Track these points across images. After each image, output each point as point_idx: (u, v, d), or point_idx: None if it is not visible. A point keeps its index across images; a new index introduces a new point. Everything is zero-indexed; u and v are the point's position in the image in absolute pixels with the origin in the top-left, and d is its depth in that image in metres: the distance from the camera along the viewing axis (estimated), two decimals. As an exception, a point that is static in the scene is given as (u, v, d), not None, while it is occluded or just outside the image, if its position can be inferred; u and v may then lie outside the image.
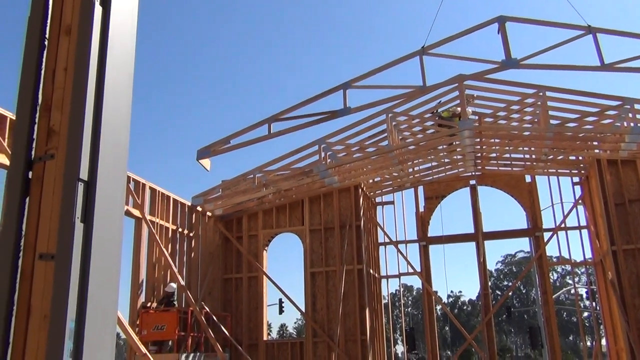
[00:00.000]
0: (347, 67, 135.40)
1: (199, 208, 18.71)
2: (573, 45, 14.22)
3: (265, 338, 19.42)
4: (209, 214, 19.40)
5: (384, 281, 21.82)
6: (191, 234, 18.22)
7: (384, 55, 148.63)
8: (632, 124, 16.11)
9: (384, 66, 15.27)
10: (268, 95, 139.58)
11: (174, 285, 16.08)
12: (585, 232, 20.23)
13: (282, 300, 44.38)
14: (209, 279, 18.58)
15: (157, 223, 16.46)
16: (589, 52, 14.05)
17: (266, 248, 20.42)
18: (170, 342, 15.41)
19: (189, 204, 18.30)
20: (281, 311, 44.80)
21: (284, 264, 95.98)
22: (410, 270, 21.24)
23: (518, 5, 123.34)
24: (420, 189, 22.13)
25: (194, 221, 18.54)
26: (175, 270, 16.13)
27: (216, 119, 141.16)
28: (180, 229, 17.59)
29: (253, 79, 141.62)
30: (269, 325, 76.46)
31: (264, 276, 19.72)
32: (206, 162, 16.59)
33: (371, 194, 21.75)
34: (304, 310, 19.10)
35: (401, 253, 21.41)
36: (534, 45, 15.00)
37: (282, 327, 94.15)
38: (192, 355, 15.45)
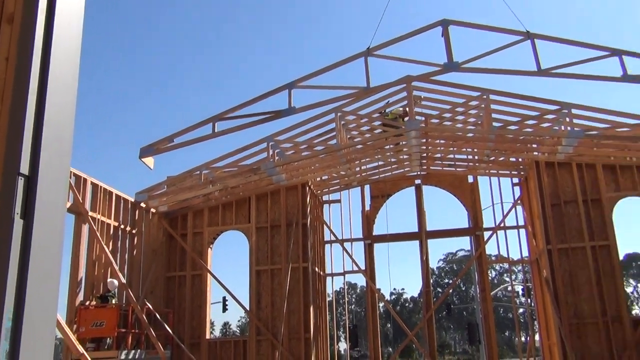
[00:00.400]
0: (294, 66, 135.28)
1: (142, 204, 18.29)
2: (515, 50, 14.76)
3: (207, 336, 19.19)
4: (153, 210, 19.00)
5: (328, 279, 21.97)
6: (134, 231, 17.78)
7: (332, 55, 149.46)
8: (569, 128, 16.80)
9: (329, 67, 15.44)
10: (214, 93, 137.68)
11: (115, 282, 15.66)
12: (523, 231, 20.99)
13: (226, 298, 44.02)
14: (152, 277, 18.20)
15: (99, 219, 15.98)
16: (530, 57, 14.60)
17: (211, 246, 20.18)
18: (109, 340, 15.01)
19: (132, 200, 17.86)
20: (225, 309, 44.43)
21: (229, 262, 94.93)
22: (355, 269, 21.46)
23: (465, 10, 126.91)
24: (367, 187, 22.39)
25: (137, 218, 18.10)
26: (117, 267, 15.72)
27: (163, 114, 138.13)
28: (122, 226, 17.14)
29: (199, 76, 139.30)
30: (212, 324, 75.70)
31: (208, 274, 19.48)
32: (149, 161, 16.38)
33: (318, 192, 21.85)
34: (248, 309, 18.98)
35: (346, 251, 21.60)
36: (477, 49, 15.48)
37: (226, 325, 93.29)
38: (132, 352, 15.09)
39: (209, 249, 19.99)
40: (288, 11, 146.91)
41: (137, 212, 18.13)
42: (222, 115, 15.77)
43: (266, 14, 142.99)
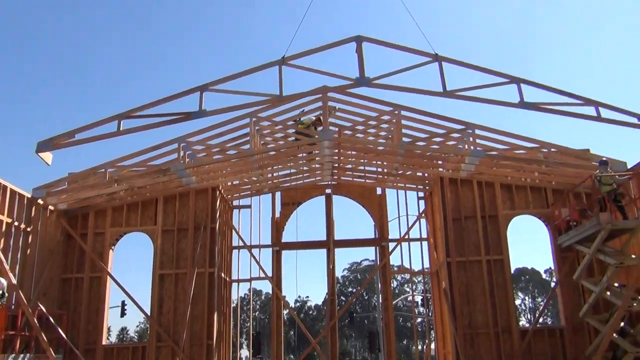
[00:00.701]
0: (211, 69, 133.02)
1: (40, 201, 17.23)
2: (427, 70, 15.49)
3: (104, 342, 18.35)
4: (51, 208, 17.95)
5: (234, 285, 21.73)
6: (29, 229, 16.70)
7: (251, 61, 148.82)
8: (472, 147, 17.74)
9: (244, 72, 15.54)
10: (122, 90, 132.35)
11: (3, 281, 14.60)
12: (425, 243, 21.83)
13: (125, 302, 42.39)
14: (45, 277, 17.16)
15: (-11, 214, 14.89)
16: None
17: (113, 247, 19.36)
18: None
19: (29, 195, 16.79)
20: (123, 314, 42.77)
21: (130, 265, 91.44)
22: (262, 275, 21.39)
23: (384, 29, 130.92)
24: (278, 194, 22.43)
25: (33, 215, 17.01)
26: (7, 267, 14.69)
27: (67, 109, 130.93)
28: (16, 223, 16.04)
29: (108, 71, 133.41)
30: (109, 329, 72.34)
31: (108, 277, 18.66)
32: (47, 156, 15.64)
33: (229, 196, 21.59)
34: (149, 314, 18.36)
35: (254, 257, 21.50)
36: (390, 66, 16.06)
37: (123, 330, 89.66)
38: (20, 356, 14.15)
39: (111, 251, 19.17)
40: (209, 12, 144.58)
41: (33, 208, 17.05)
42: (129, 113, 15.33)
43: (185, 14, 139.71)
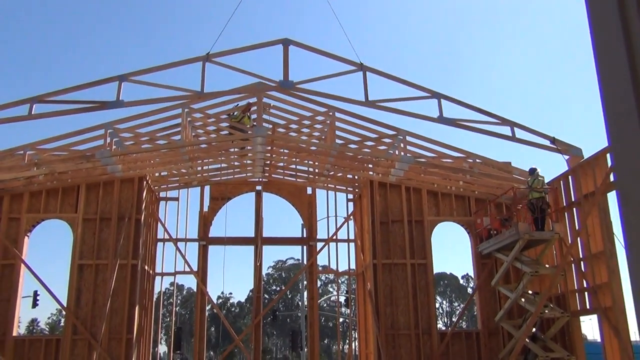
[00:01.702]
0: (133, 61, 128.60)
1: (-52, 181, 16.12)
2: (353, 78, 15.73)
3: (14, 334, 17.41)
4: (-39, 188, 16.83)
5: (157, 278, 21.18)
6: None
7: (171, 55, 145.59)
8: (402, 153, 18.15)
9: (166, 65, 15.29)
10: (38, 73, 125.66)
11: None
12: (352, 245, 22.12)
13: (38, 292, 40.33)
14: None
15: None
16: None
17: (29, 234, 18.38)
18: None
19: (-64, 174, 15.67)
20: (35, 305, 40.65)
21: (46, 254, 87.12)
22: (187, 269, 20.96)
23: (316, 35, 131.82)
24: (207, 188, 22.07)
25: (-60, 195, 15.89)
26: None
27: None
28: None
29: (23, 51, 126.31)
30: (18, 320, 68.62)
31: (22, 264, 17.70)
32: None
33: (156, 187, 21.01)
34: (65, 305, 17.57)
35: (179, 251, 21.03)
36: (318, 71, 16.24)
37: (33, 322, 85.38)
38: None
39: (26, 237, 18.19)
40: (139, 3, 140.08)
41: (-59, 189, 15.93)
42: (42, 97, 14.67)
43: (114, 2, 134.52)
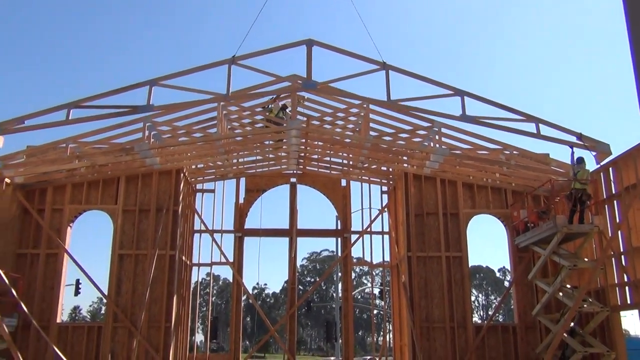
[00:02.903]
0: (162, 65, 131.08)
1: (-5, 173, 16.71)
2: (374, 77, 15.66)
3: (58, 320, 18.01)
4: (7, 180, 17.41)
5: (194, 269, 21.57)
6: (-17, 201, 16.20)
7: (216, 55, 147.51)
8: (437, 145, 18.00)
9: (193, 69, 15.56)
10: (77, 79, 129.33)
11: None
12: (386, 237, 22.09)
13: (80, 281, 41.56)
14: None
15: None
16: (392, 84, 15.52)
17: (71, 224, 18.95)
18: None
19: (-16, 167, 16.26)
20: (77, 293, 41.90)
21: (88, 243, 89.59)
22: (223, 260, 21.28)
23: (334, 34, 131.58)
24: (242, 180, 22.31)
25: (-13, 187, 16.50)
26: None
27: (28, 93, 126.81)
28: (-31, 194, 15.54)
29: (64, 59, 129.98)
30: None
31: (65, 254, 18.27)
32: None
33: (192, 179, 21.37)
34: (106, 293, 18.07)
35: (216, 242, 21.37)
36: (341, 71, 16.23)
37: (75, 309, 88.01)
38: None
39: (69, 228, 18.76)
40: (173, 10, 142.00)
41: (-12, 181, 16.53)
42: (78, 103, 15.23)
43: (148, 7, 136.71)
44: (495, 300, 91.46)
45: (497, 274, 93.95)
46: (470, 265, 19.57)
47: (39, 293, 17.73)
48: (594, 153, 15.90)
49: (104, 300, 19.10)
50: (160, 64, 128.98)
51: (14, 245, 17.90)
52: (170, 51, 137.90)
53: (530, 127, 15.79)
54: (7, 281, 16.18)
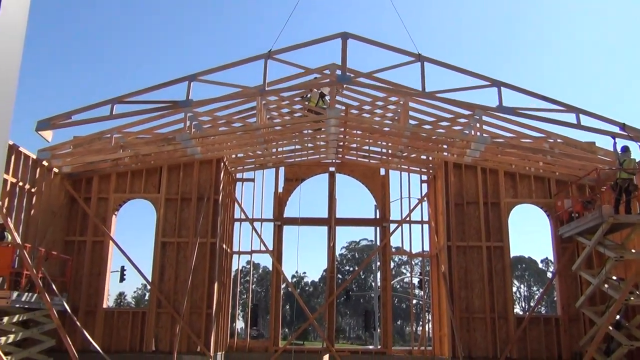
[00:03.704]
0: (201, 60, 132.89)
1: (44, 163, 17.28)
2: (408, 70, 15.48)
3: (104, 306, 18.59)
4: (55, 170, 18.01)
5: (235, 257, 21.89)
6: (33, 190, 16.78)
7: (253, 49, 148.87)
8: (478, 133, 17.71)
9: (231, 64, 15.81)
10: (118, 74, 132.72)
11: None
12: (426, 226, 21.91)
13: (125, 267, 42.78)
14: (48, 239, 17.30)
15: (-5, 174, 14.91)
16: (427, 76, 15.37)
17: (116, 213, 19.47)
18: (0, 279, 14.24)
19: (34, 156, 16.82)
20: (122, 279, 43.15)
21: (132, 231, 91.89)
22: (263, 248, 21.52)
23: (365, 27, 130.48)
24: (281, 169, 22.46)
25: (37, 176, 17.08)
26: (11, 225, 14.76)
27: (75, 87, 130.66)
28: (20, 183, 16.12)
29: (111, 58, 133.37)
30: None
31: (111, 241, 18.81)
32: (47, 134, 16.26)
33: (232, 169, 21.63)
34: (150, 280, 18.54)
35: (255, 231, 21.61)
36: (375, 64, 16.13)
37: (121, 295, 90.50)
38: (25, 295, 14.35)
39: (114, 216, 19.29)
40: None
41: (37, 170, 17.10)
42: (121, 98, 15.70)
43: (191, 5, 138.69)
44: (537, 292, 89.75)
45: (540, 265, 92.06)
46: (512, 256, 19.27)
47: (86, 279, 18.33)
48: (639, 143, 15.35)
49: (148, 287, 19.60)
50: (199, 59, 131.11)
51: (63, 232, 18.52)
52: (207, 47, 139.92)
53: (571, 117, 15.35)
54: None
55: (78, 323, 16.85)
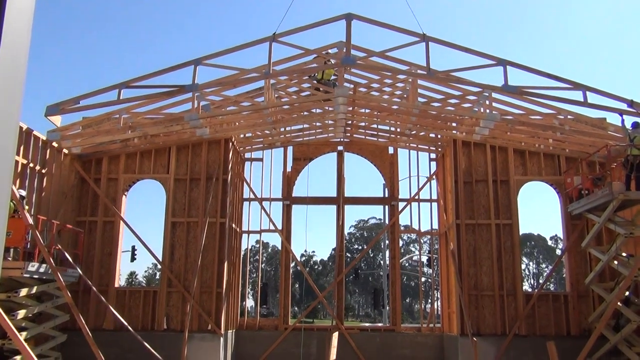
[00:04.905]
0: (204, 44, 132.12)
1: (54, 144, 17.38)
2: (413, 50, 15.33)
3: (116, 285, 18.81)
4: (65, 151, 18.10)
5: (244, 236, 22.02)
6: (43, 171, 16.90)
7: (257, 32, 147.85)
8: (487, 111, 17.58)
9: (235, 48, 15.86)
10: (124, 60, 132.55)
11: (18, 192, 15.06)
12: (435, 205, 21.90)
13: (135, 247, 43.17)
14: (60, 220, 17.43)
15: (5, 155, 15.01)
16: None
17: (126, 193, 19.59)
18: (12, 251, 14.40)
19: (44, 138, 16.90)
20: (133, 259, 43.59)
21: (141, 211, 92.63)
22: (272, 228, 21.62)
23: (372, 7, 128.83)
24: (290, 149, 22.45)
25: (47, 157, 17.18)
26: (25, 207, 14.90)
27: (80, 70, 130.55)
28: (31, 164, 16.23)
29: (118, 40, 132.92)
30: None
31: (121, 222, 18.96)
32: (56, 119, 16.58)
33: (241, 148, 21.65)
34: (161, 260, 18.73)
35: (264, 210, 21.69)
36: (379, 44, 16.01)
37: (132, 275, 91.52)
38: (37, 265, 14.53)
39: (124, 196, 19.41)
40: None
41: (48, 151, 17.19)
42: (128, 83, 15.79)
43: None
44: (546, 269, 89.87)
45: (549, 242, 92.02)
46: (521, 233, 19.27)
47: (98, 259, 18.53)
48: (648, 120, 15.20)
49: (159, 266, 19.80)
50: (204, 43, 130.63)
51: (74, 213, 18.68)
52: (212, 31, 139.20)
53: (578, 95, 15.20)
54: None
55: (103, 298, 17.07)
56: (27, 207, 14.77)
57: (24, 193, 15.11)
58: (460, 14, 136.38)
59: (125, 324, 17.13)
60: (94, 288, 17.59)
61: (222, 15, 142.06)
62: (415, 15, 16.45)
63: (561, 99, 15.52)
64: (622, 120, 15.40)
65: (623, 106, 15.05)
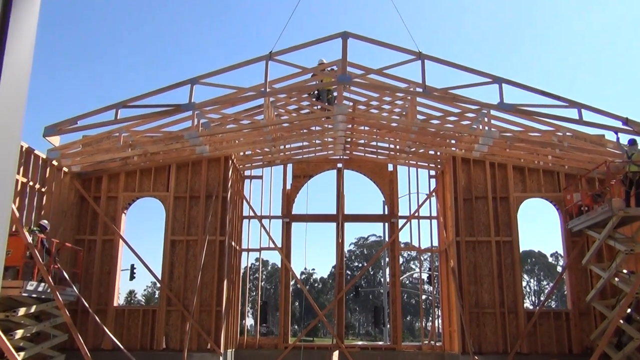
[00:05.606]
0: (202, 63, 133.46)
1: (54, 162, 17.40)
2: (410, 67, 15.43)
3: (115, 304, 18.70)
4: (65, 169, 18.12)
5: (243, 254, 21.95)
6: (43, 189, 16.90)
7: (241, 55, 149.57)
8: (486, 128, 17.64)
9: (231, 66, 15.88)
10: (121, 79, 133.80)
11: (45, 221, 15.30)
12: (434, 222, 21.87)
13: (135, 266, 42.96)
14: (59, 238, 17.39)
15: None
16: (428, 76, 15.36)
17: (125, 211, 19.57)
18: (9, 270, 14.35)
19: (44, 156, 16.93)
20: (132, 277, 43.32)
21: (141, 229, 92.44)
22: (272, 245, 21.56)
23: (366, 25, 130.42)
24: (289, 166, 22.48)
25: (47, 176, 17.19)
26: (23, 227, 14.87)
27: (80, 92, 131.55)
28: (31, 183, 16.24)
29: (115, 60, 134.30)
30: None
31: (120, 240, 18.91)
32: (55, 139, 16.70)
33: (240, 166, 21.67)
34: (160, 278, 18.64)
35: (264, 228, 21.66)
36: (377, 61, 16.17)
37: (131, 293, 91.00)
38: (36, 284, 14.44)
39: (123, 215, 19.38)
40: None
41: (47, 169, 17.21)
42: (125, 103, 15.85)
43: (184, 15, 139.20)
44: (547, 286, 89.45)
45: (550, 259, 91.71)
46: (521, 250, 19.23)
47: (97, 277, 18.45)
48: (642, 137, 15.25)
49: (158, 285, 19.71)
50: (200, 61, 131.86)
51: (73, 231, 18.64)
52: (209, 48, 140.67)
53: (573, 113, 15.26)
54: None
55: (98, 319, 16.97)
56: (44, 237, 14.94)
57: (45, 223, 15.30)
58: (455, 33, 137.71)
59: (122, 347, 16.94)
60: (90, 310, 17.45)
61: (221, 34, 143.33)
62: (410, 34, 16.52)
63: (557, 117, 15.59)
64: (618, 138, 15.47)
65: (618, 124, 15.11)
